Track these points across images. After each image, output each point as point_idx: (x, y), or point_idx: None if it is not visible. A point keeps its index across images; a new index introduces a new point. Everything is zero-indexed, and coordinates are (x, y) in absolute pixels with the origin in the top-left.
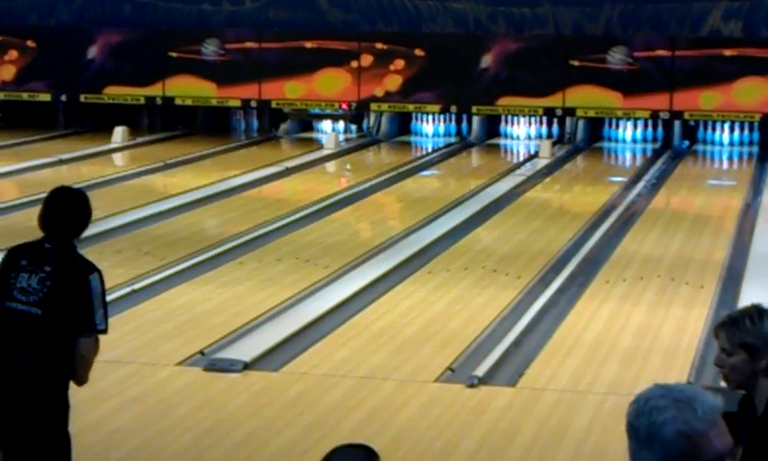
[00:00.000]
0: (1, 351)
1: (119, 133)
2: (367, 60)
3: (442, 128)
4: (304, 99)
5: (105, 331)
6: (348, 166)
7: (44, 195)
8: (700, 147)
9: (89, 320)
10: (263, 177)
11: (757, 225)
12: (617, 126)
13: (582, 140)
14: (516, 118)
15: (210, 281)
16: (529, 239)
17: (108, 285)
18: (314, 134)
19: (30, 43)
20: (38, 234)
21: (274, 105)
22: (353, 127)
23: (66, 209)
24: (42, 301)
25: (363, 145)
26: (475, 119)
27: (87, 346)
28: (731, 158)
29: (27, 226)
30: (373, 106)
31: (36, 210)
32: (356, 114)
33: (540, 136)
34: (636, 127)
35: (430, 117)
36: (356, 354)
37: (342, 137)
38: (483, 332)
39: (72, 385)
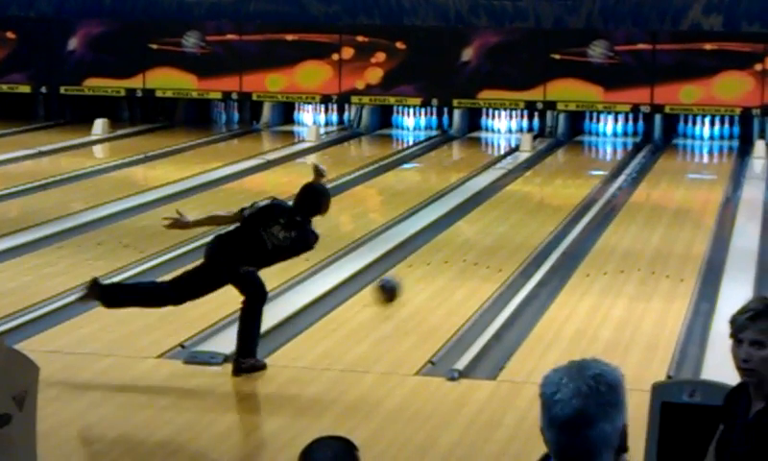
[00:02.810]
0: None
1: (99, 126)
2: (348, 52)
3: (423, 121)
4: (285, 92)
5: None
6: (327, 159)
7: (23, 187)
8: (680, 141)
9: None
10: (244, 169)
11: (737, 219)
12: (598, 120)
13: (563, 134)
14: (496, 112)
15: None
16: (510, 232)
17: (88, 277)
18: (294, 127)
19: (9, 35)
20: (18, 225)
21: (254, 97)
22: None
23: (309, 199)
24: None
25: (344, 138)
26: (456, 112)
27: None
28: (711, 153)
29: (7, 217)
30: (354, 99)
31: (17, 202)
32: None
33: (520, 130)
34: (616, 120)
35: (411, 110)
36: (337, 347)
37: (322, 130)
38: (463, 325)
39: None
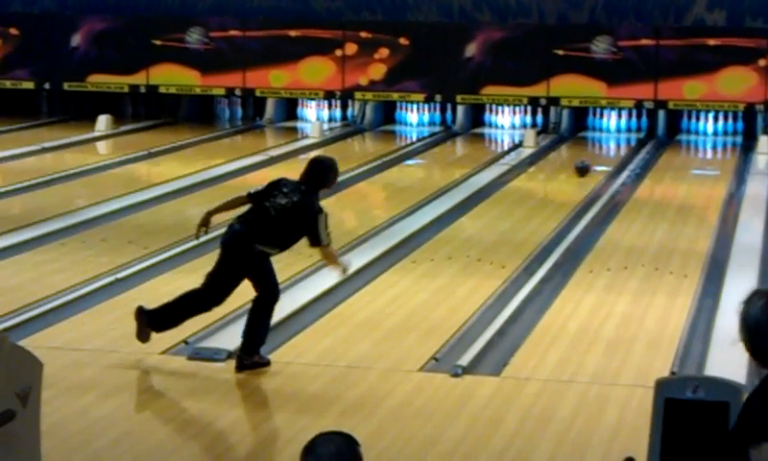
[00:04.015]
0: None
1: (103, 122)
2: (351, 48)
3: (426, 117)
4: (289, 88)
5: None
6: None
7: (27, 183)
8: (684, 137)
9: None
10: (247, 165)
11: (741, 214)
12: (602, 115)
13: (566, 130)
14: (500, 107)
15: (194, 270)
16: (513, 229)
17: (91, 274)
18: (298, 123)
19: (13, 31)
20: (21, 222)
21: (258, 93)
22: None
23: (317, 170)
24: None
25: (347, 134)
26: (460, 108)
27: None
28: (714, 148)
29: (11, 214)
30: (358, 95)
31: (20, 198)
32: None
33: (524, 126)
34: (620, 116)
35: (414, 106)
36: (341, 344)
37: (326, 126)
38: (467, 322)
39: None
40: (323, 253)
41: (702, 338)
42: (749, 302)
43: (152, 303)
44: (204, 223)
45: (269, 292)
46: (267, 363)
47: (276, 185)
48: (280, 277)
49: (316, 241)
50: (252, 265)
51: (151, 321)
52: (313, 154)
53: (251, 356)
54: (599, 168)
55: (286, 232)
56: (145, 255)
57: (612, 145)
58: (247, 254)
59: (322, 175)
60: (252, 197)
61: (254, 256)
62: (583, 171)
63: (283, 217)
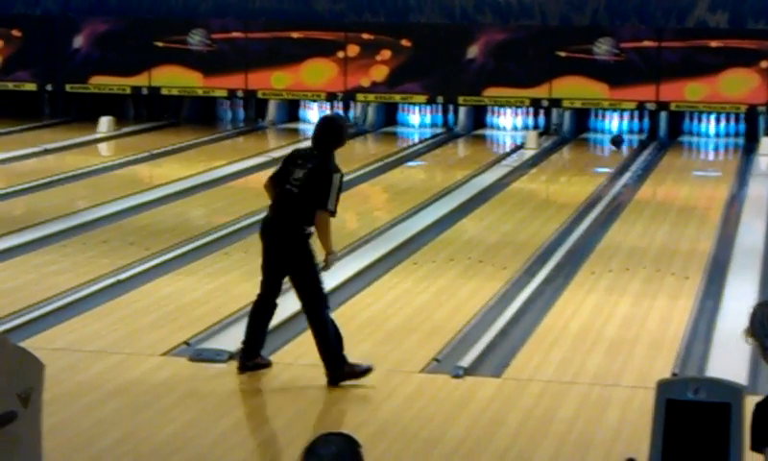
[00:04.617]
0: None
1: (105, 123)
2: (353, 50)
3: (428, 118)
4: (291, 89)
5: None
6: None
7: (28, 185)
8: (686, 138)
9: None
10: (249, 167)
11: (743, 216)
12: (603, 117)
13: (568, 131)
14: (502, 109)
15: (196, 272)
16: (515, 230)
17: (93, 275)
18: (300, 125)
19: (15, 32)
20: (23, 223)
21: (260, 95)
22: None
23: (327, 130)
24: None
25: (349, 135)
26: (462, 110)
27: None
28: (716, 150)
29: (12, 215)
30: (360, 96)
31: (22, 200)
32: None
33: (526, 127)
34: (622, 118)
35: (416, 108)
36: None
37: None
38: (468, 323)
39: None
40: (321, 221)
41: (703, 339)
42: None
43: (152, 305)
44: None
45: (273, 296)
46: (268, 364)
47: (291, 160)
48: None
49: (322, 203)
50: (300, 255)
51: (249, 357)
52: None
53: (252, 358)
54: (600, 169)
55: (310, 205)
56: (146, 257)
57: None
58: (291, 240)
59: (333, 133)
60: (274, 180)
61: (302, 240)
62: (617, 143)
63: (305, 189)
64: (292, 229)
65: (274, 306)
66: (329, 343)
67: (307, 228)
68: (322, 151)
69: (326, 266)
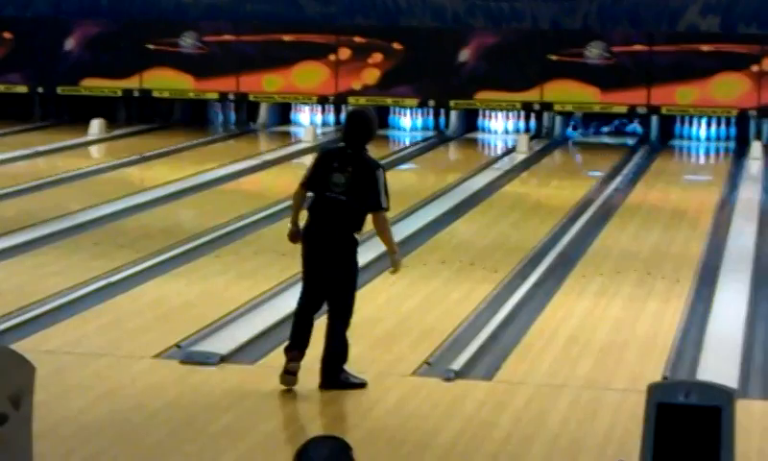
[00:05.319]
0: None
1: (96, 126)
2: (345, 53)
3: (419, 122)
4: (282, 92)
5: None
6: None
7: (19, 187)
8: (677, 142)
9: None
10: (241, 170)
11: (734, 220)
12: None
13: (559, 135)
14: (493, 112)
15: (187, 274)
16: (506, 233)
17: (84, 278)
18: (291, 128)
19: (6, 35)
20: (14, 226)
21: (251, 97)
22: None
23: (359, 125)
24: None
25: (340, 139)
26: (453, 113)
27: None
28: (707, 154)
29: (3, 217)
30: (351, 99)
31: (13, 202)
32: None
33: (517, 131)
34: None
35: (408, 111)
36: None
37: (319, 131)
38: (460, 326)
39: (45, 377)
40: (381, 222)
41: (694, 343)
42: None
43: (143, 307)
44: (296, 237)
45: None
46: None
47: (324, 164)
48: (277, 278)
49: (376, 204)
50: (348, 265)
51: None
52: (307, 157)
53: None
54: (592, 173)
55: (361, 208)
56: (137, 259)
57: (606, 150)
58: (342, 249)
59: (366, 128)
60: (307, 186)
61: (352, 250)
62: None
63: (354, 194)
64: (343, 238)
65: (317, 309)
66: (336, 358)
67: (357, 235)
68: (356, 148)
69: (396, 268)
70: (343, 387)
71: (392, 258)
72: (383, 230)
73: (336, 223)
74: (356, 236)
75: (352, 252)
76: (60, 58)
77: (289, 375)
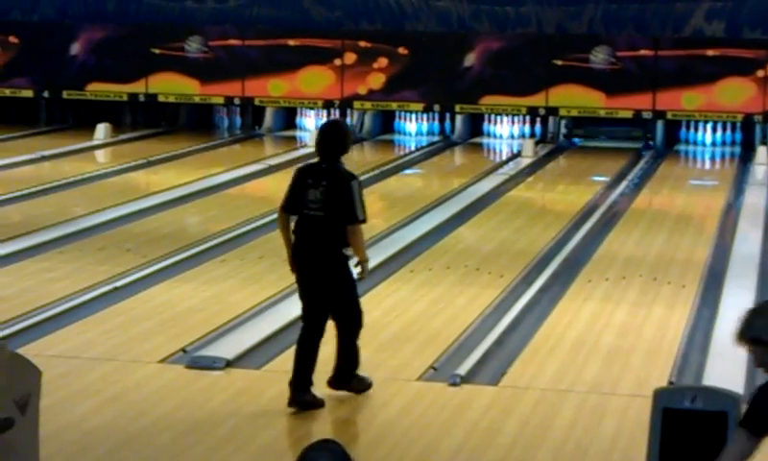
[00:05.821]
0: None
1: (102, 130)
2: (350, 58)
3: (425, 126)
4: (288, 97)
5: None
6: None
7: (25, 191)
8: (682, 147)
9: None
10: (246, 174)
11: (739, 225)
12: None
13: (565, 140)
14: (499, 117)
15: (192, 279)
16: (511, 238)
17: (89, 283)
18: (297, 132)
19: (12, 39)
20: (19, 230)
21: (257, 102)
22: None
23: (331, 137)
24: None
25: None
26: (458, 118)
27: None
28: (713, 159)
29: (9, 222)
30: (357, 104)
31: (19, 207)
32: None
33: (522, 135)
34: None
35: (413, 116)
36: None
37: None
38: (465, 331)
39: (51, 382)
40: (354, 234)
41: (700, 348)
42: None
43: (148, 312)
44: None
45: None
46: (321, 404)
47: (300, 181)
48: (283, 283)
49: (351, 217)
50: (339, 278)
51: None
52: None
53: (303, 393)
54: (597, 178)
55: (340, 221)
56: (143, 264)
57: (611, 155)
58: (330, 265)
59: (338, 140)
60: (287, 209)
61: (342, 264)
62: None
63: (329, 209)
64: (329, 254)
65: (320, 334)
66: (347, 367)
67: (345, 249)
68: (329, 161)
69: (363, 275)
70: (352, 391)
71: (363, 266)
72: (356, 242)
73: (318, 240)
74: (345, 252)
75: (341, 266)
76: (66, 62)
77: (296, 404)
